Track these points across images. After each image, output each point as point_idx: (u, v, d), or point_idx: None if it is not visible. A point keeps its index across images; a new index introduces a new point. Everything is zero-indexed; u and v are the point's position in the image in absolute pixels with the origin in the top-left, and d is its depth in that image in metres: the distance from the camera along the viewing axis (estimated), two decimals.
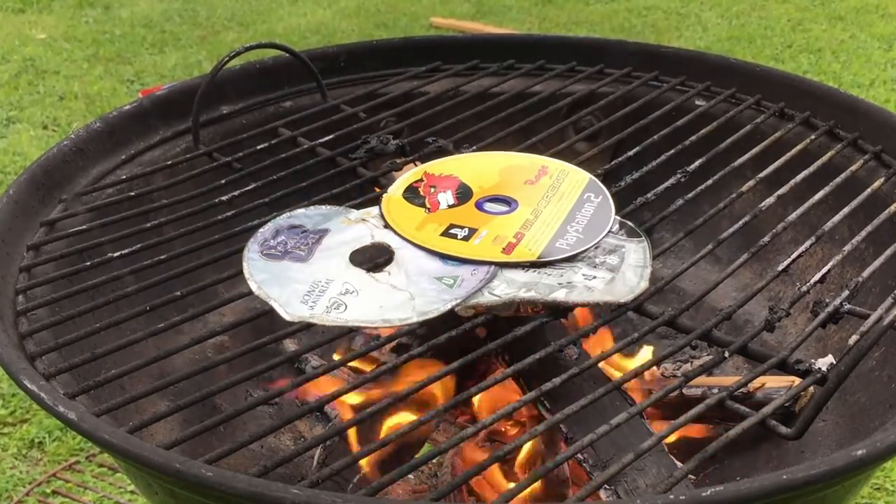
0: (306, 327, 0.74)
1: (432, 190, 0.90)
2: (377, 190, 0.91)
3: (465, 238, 0.83)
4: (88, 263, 0.79)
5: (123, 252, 0.81)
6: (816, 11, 3.36)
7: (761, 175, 0.92)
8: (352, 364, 1.00)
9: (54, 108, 2.78)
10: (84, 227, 0.85)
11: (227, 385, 0.69)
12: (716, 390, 0.69)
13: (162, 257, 0.81)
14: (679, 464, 0.73)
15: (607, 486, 0.70)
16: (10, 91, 2.88)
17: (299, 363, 1.03)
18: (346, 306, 0.75)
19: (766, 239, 0.83)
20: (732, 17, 3.34)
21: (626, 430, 0.70)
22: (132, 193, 0.91)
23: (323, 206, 0.86)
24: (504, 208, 0.87)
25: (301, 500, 0.53)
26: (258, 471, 0.59)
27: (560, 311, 0.76)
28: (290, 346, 1.01)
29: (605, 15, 3.36)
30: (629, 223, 0.84)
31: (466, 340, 0.78)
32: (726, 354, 0.71)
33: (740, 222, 0.86)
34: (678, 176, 0.92)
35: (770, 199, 0.88)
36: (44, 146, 2.54)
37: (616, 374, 0.88)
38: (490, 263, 0.79)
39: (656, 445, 0.63)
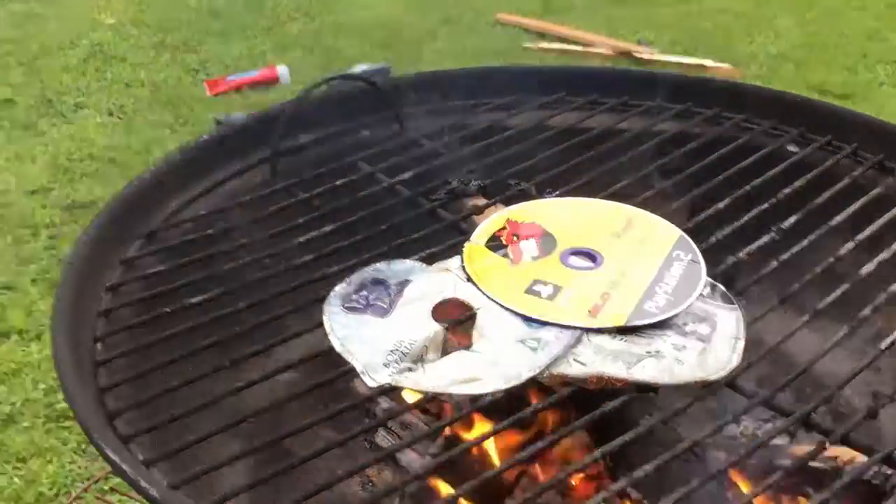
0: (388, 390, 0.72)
1: (515, 238, 0.87)
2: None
3: (550, 297, 0.80)
4: (169, 310, 0.78)
5: (201, 299, 0.79)
6: (894, 21, 3.26)
7: (860, 237, 0.88)
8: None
9: (120, 95, 2.79)
10: (162, 267, 0.84)
11: (299, 429, 0.70)
12: None
13: (241, 305, 0.79)
14: None
15: None
16: (77, 76, 2.90)
17: (370, 405, 1.01)
18: (426, 370, 0.73)
19: (867, 312, 0.80)
20: (807, 23, 3.25)
21: None
22: (210, 231, 0.89)
23: (407, 261, 0.84)
24: (589, 264, 0.84)
25: None
26: None
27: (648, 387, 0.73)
28: (361, 386, 0.99)
29: (674, 17, 3.29)
30: (721, 287, 0.81)
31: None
32: (827, 445, 0.68)
33: (838, 291, 0.82)
34: (772, 234, 0.89)
35: (870, 266, 0.84)
36: (109, 133, 2.56)
37: None
38: (575, 328, 0.76)
39: None
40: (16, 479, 1.52)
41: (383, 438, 0.98)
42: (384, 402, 0.99)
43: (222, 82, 2.80)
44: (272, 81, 2.80)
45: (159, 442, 0.68)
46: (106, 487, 1.52)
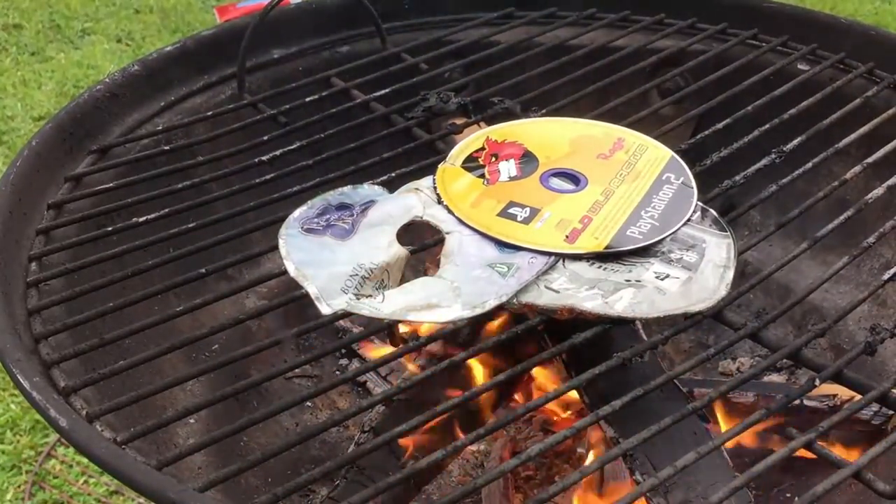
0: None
1: (493, 158, 0.81)
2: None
3: (526, 220, 0.74)
4: (111, 229, 0.73)
5: (149, 217, 0.73)
6: None
7: (869, 160, 0.81)
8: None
9: (129, 22, 2.73)
10: (111, 184, 0.78)
11: (258, 349, 0.65)
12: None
13: (190, 225, 0.73)
14: None
15: None
16: (86, 1, 2.83)
17: (341, 332, 0.96)
18: (385, 297, 0.67)
19: (872, 240, 0.73)
20: None
21: (702, 465, 0.61)
22: (167, 148, 0.83)
23: (376, 186, 0.77)
24: (571, 186, 0.78)
25: None
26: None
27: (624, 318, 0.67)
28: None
29: None
30: (713, 212, 0.74)
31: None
32: (817, 382, 0.62)
33: (842, 217, 0.75)
34: (772, 156, 0.81)
35: (878, 191, 0.77)
36: (117, 60, 2.49)
37: None
38: (550, 253, 0.70)
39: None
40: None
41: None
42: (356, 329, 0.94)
43: (233, 8, 2.72)
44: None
45: (89, 366, 0.63)
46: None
